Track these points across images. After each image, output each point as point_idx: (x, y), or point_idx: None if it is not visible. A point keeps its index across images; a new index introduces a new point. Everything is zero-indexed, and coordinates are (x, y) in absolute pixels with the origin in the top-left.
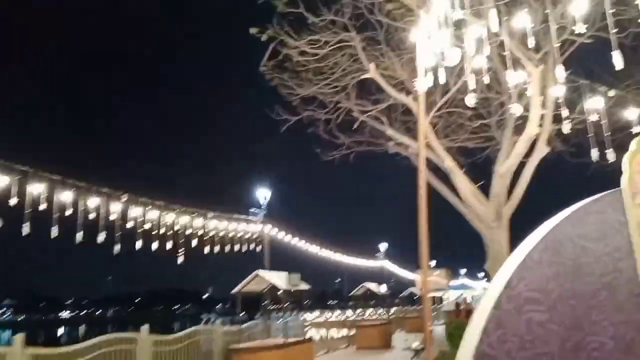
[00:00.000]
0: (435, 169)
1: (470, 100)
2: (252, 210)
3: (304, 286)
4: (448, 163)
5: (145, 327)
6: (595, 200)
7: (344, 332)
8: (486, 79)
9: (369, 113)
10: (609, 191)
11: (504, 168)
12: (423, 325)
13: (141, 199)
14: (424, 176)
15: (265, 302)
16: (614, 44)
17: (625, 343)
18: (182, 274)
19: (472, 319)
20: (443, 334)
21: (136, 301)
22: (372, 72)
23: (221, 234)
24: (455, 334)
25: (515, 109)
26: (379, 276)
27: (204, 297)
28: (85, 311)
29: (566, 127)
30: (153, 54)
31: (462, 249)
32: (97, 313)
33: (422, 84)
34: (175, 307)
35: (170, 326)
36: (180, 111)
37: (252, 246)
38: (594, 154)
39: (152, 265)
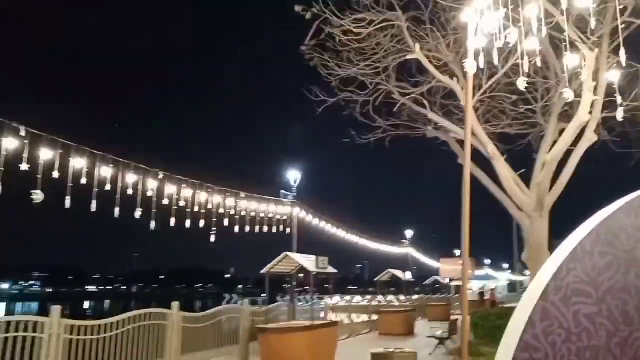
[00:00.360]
0: (474, 155)
1: (522, 83)
2: (282, 192)
3: (331, 270)
4: (491, 149)
5: (176, 304)
6: None
7: (365, 317)
8: (538, 62)
9: (410, 95)
10: None
11: (550, 155)
12: (446, 313)
13: (176, 177)
14: (469, 162)
15: (293, 283)
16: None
17: None
18: (206, 254)
19: (518, 309)
20: (458, 322)
21: (160, 278)
22: (417, 52)
23: (252, 214)
24: (479, 324)
25: (568, 94)
26: (403, 263)
27: (226, 277)
28: (111, 286)
29: (620, 114)
30: (191, 28)
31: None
32: (122, 288)
33: (472, 65)
34: (198, 285)
35: (192, 304)
36: (217, 90)
37: (280, 228)
38: None
39: (179, 244)
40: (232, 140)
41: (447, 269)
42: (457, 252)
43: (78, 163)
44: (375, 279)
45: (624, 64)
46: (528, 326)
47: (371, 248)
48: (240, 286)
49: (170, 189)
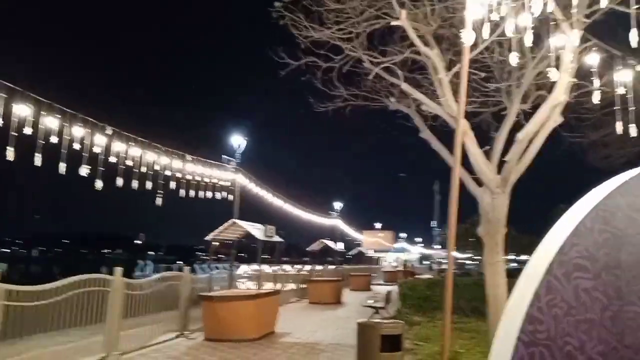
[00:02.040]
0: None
1: (513, 59)
2: (224, 157)
3: (278, 239)
4: (464, 124)
5: (119, 269)
6: None
7: (293, 286)
8: (528, 40)
9: (383, 65)
10: None
11: (522, 134)
12: (367, 283)
13: (125, 134)
14: (460, 140)
15: (232, 252)
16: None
17: None
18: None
19: (522, 282)
20: (392, 294)
21: (64, 242)
22: (402, 19)
23: (197, 178)
24: (408, 295)
25: (554, 75)
26: (331, 234)
27: (136, 242)
28: (9, 249)
29: (596, 97)
30: None
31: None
32: (20, 251)
33: (469, 37)
34: (106, 251)
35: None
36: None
37: (217, 195)
38: (619, 127)
39: (91, 208)
40: (186, 101)
41: (369, 241)
42: (378, 225)
43: (22, 111)
44: (308, 248)
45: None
46: (534, 299)
47: (304, 218)
48: (151, 252)
49: (117, 146)
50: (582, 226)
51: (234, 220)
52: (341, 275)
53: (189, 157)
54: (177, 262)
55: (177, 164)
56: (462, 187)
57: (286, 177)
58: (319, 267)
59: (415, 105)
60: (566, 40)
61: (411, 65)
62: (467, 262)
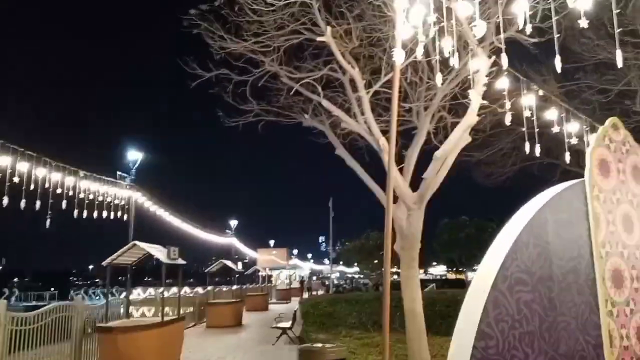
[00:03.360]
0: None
1: (439, 79)
2: (119, 173)
3: (181, 261)
4: (382, 142)
5: (3, 302)
6: (566, 189)
7: (190, 309)
8: (455, 62)
9: (304, 80)
10: (576, 181)
11: (440, 152)
12: (264, 303)
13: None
14: (393, 152)
15: (128, 276)
16: (557, 47)
17: (582, 322)
18: None
19: (469, 298)
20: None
21: None
22: (327, 35)
23: (91, 196)
24: (310, 312)
25: (474, 97)
26: (226, 253)
27: None
28: None
29: (508, 119)
30: None
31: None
32: None
33: (400, 55)
34: None
35: None
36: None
37: (111, 215)
38: (527, 147)
39: None
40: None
41: (264, 259)
42: (272, 242)
43: None
44: (207, 270)
45: (505, 67)
46: (484, 315)
47: (201, 238)
48: (15, 279)
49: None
50: (519, 241)
51: (135, 242)
52: (240, 295)
53: (82, 173)
54: (50, 289)
55: (70, 180)
56: (356, 200)
57: (183, 195)
58: (224, 289)
59: (329, 122)
60: (480, 64)
61: (324, 83)
62: (356, 276)
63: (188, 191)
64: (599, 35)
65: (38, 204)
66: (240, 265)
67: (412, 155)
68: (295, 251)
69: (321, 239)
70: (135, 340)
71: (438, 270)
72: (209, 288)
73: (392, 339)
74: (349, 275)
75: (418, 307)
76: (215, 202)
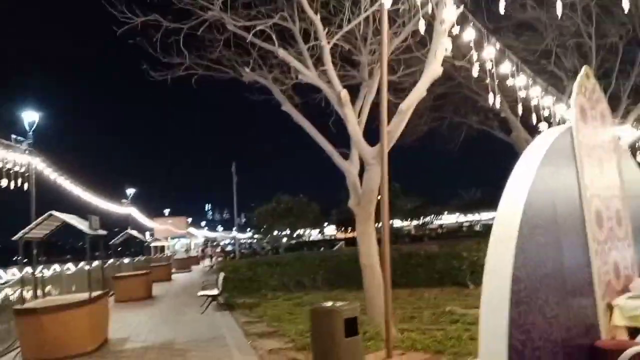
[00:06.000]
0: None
1: (421, 26)
2: (14, 137)
3: (102, 232)
4: (344, 94)
5: None
6: (559, 136)
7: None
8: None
9: (256, 29)
10: (563, 127)
11: (405, 105)
12: (168, 273)
13: None
14: (385, 104)
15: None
16: None
17: (579, 261)
18: None
19: (498, 244)
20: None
21: None
22: None
23: None
24: (229, 278)
25: (439, 48)
26: (125, 223)
27: None
28: None
29: (475, 71)
30: None
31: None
32: None
33: None
34: None
35: None
36: None
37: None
38: (491, 98)
39: None
40: None
41: (160, 229)
42: (166, 211)
43: None
44: (111, 242)
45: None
46: (516, 260)
47: (102, 208)
48: None
49: None
50: (534, 186)
51: (51, 212)
52: (147, 267)
53: None
54: None
55: None
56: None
57: (85, 160)
58: (125, 261)
59: (271, 77)
60: (447, 14)
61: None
62: (249, 240)
63: (89, 156)
64: None
65: None
66: (148, 235)
67: (364, 110)
68: (189, 219)
69: (207, 206)
70: (64, 321)
71: (329, 230)
72: (111, 261)
73: (347, 296)
74: (243, 241)
75: (375, 261)
76: (115, 167)
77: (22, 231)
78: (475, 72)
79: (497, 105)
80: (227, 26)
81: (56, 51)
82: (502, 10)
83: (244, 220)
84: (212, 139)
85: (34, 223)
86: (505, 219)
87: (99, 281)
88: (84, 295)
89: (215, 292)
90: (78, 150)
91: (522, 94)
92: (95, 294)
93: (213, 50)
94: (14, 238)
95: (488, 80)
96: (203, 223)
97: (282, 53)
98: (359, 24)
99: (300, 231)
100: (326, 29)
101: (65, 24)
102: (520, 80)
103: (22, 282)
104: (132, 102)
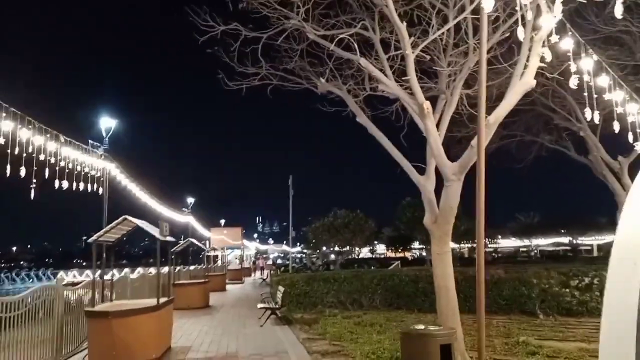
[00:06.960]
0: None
1: (521, 34)
2: (91, 142)
3: (171, 238)
4: (427, 105)
5: None
6: None
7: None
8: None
9: (340, 37)
10: None
11: (493, 117)
12: (223, 283)
13: None
14: (483, 114)
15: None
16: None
17: None
18: None
19: (621, 268)
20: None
21: None
22: None
23: (70, 165)
24: (287, 292)
25: (533, 58)
26: (184, 232)
27: None
28: None
29: (573, 82)
30: None
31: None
32: None
33: (489, 1)
34: None
35: None
36: None
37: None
38: (588, 113)
39: None
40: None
41: (216, 239)
42: (222, 221)
43: None
44: (173, 249)
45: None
46: None
47: (165, 216)
48: None
49: None
50: None
51: (125, 216)
52: (204, 276)
53: (62, 137)
54: None
55: (52, 145)
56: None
57: (149, 167)
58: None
59: (346, 88)
60: (543, 23)
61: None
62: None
63: (153, 163)
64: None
65: None
66: (207, 244)
67: (443, 123)
68: (243, 231)
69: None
70: (133, 326)
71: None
72: (171, 268)
73: (409, 318)
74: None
75: (450, 283)
76: (175, 176)
77: (97, 234)
78: (572, 84)
79: (597, 121)
80: (307, 35)
81: (130, 64)
82: (618, 14)
83: (293, 233)
84: (271, 150)
85: (109, 226)
86: (628, 241)
87: (162, 288)
88: (152, 301)
89: (273, 305)
90: (144, 158)
91: (619, 109)
92: (162, 300)
93: (288, 60)
94: (90, 240)
95: (585, 94)
96: (255, 235)
97: (363, 62)
98: (441, 34)
99: (347, 247)
100: (411, 39)
101: (138, 40)
102: (617, 95)
103: (93, 285)
104: (201, 110)
